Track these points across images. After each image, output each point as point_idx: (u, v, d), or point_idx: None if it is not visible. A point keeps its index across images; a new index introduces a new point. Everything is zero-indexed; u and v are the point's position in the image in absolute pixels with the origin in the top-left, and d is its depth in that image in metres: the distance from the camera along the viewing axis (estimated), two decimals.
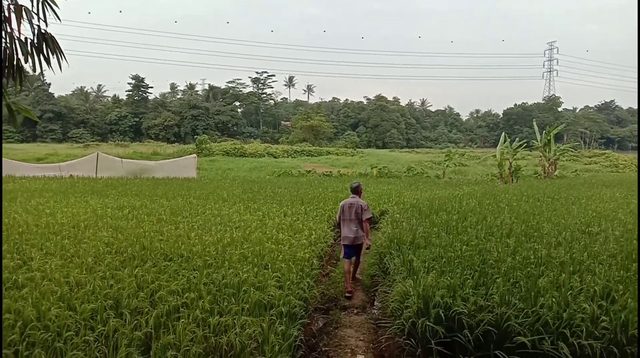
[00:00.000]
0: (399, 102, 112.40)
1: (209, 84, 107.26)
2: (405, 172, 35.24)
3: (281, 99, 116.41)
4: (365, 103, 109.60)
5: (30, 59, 3.00)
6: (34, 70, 3.06)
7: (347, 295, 7.08)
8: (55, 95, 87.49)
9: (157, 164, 28.01)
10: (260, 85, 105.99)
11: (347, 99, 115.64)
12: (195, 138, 64.76)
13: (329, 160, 50.25)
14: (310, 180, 25.31)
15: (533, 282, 4.82)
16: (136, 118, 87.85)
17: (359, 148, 78.21)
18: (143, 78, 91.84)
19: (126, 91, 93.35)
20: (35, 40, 2.97)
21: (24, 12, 2.89)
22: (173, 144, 67.89)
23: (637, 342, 3.79)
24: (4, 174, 22.13)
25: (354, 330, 5.73)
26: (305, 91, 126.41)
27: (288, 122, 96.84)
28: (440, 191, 18.74)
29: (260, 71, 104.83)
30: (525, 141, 28.96)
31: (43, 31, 2.98)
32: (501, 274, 5.22)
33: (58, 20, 3.02)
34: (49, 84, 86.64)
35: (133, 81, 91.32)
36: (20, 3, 2.92)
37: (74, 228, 8.65)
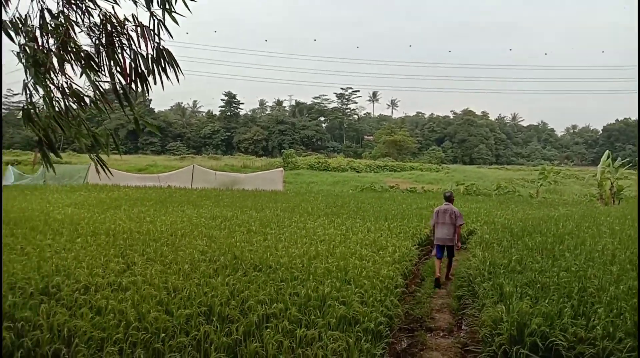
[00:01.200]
0: (488, 117, 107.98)
1: (296, 100, 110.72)
2: (494, 190, 33.64)
3: (364, 114, 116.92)
4: (451, 118, 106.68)
5: (150, 72, 3.36)
6: (155, 83, 3.40)
7: (436, 278, 8.40)
8: (156, 110, 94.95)
9: (247, 176, 29.29)
10: (344, 100, 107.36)
11: (432, 114, 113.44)
12: (281, 152, 66.92)
13: (413, 176, 49.42)
14: (393, 196, 25.06)
15: None
16: (228, 132, 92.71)
17: (445, 163, 76.07)
18: (235, 95, 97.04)
19: (219, 107, 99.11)
20: (155, 55, 3.30)
21: (144, 31, 3.24)
22: (261, 158, 70.62)
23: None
24: (110, 183, 24.26)
25: (440, 354, 5.57)
26: (389, 105, 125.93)
27: (371, 137, 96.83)
28: (533, 211, 17.69)
29: (345, 86, 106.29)
30: (628, 159, 26.49)
31: (161, 47, 3.30)
32: (603, 304, 4.84)
33: (171, 38, 3.34)
34: (150, 100, 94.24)
35: (226, 98, 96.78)
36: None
37: (172, 236, 9.30)
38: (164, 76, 3.38)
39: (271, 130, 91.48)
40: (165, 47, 3.29)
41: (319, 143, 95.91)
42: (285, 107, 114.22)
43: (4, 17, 3.04)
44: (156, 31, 3.23)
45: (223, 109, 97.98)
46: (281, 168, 33.91)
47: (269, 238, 9.28)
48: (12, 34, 3.02)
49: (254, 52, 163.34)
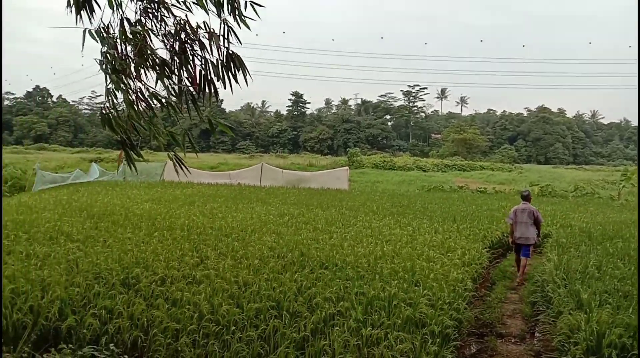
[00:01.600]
0: (565, 114, 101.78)
1: (362, 99, 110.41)
2: (572, 191, 31.66)
3: (432, 111, 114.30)
4: (525, 115, 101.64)
5: (220, 77, 3.51)
6: (224, 87, 3.55)
7: (519, 283, 8.71)
8: (227, 111, 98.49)
9: (313, 175, 29.64)
10: (411, 98, 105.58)
11: (504, 111, 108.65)
12: (346, 151, 67.05)
13: (483, 175, 47.62)
14: (462, 196, 24.32)
15: None
16: (294, 131, 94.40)
17: (517, 163, 72.65)
18: (302, 94, 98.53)
19: (286, 107, 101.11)
20: (224, 60, 3.45)
21: (214, 37, 3.40)
22: (326, 157, 71.19)
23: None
24: (184, 180, 25.45)
25: None
26: (458, 102, 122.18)
27: (439, 135, 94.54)
28: (614, 214, 16.48)
29: (412, 84, 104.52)
30: None
31: (230, 52, 3.44)
32: None
33: (239, 44, 3.46)
34: (222, 100, 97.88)
35: (293, 97, 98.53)
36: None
37: (242, 232, 9.62)
38: (233, 80, 3.51)
39: (336, 129, 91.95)
40: (235, 52, 3.42)
41: (384, 142, 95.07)
42: (350, 106, 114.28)
43: (90, 26, 3.29)
44: (226, 37, 3.36)
45: (290, 108, 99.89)
46: (347, 167, 33.98)
47: (335, 237, 9.35)
48: (98, 41, 3.27)
49: (321, 51, 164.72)
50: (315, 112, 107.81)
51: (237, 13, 3.32)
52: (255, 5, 3.35)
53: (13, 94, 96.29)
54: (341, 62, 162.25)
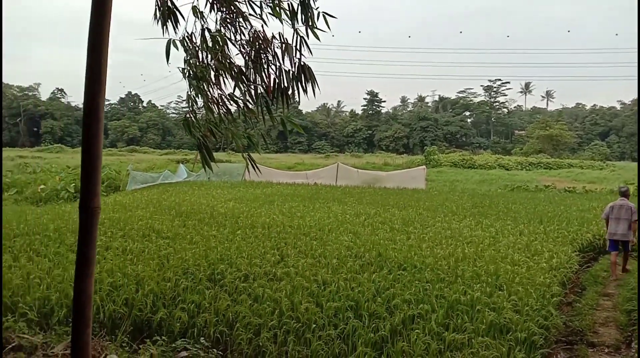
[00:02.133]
0: None
1: (439, 95, 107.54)
2: None
3: (515, 107, 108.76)
4: (618, 109, 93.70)
5: (291, 88, 3.63)
6: (294, 96, 3.67)
7: (613, 278, 8.61)
8: (303, 111, 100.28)
9: (388, 174, 29.38)
10: (492, 93, 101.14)
11: (594, 105, 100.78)
12: (423, 149, 65.68)
13: (572, 174, 44.53)
14: (549, 196, 22.93)
15: None
16: (369, 131, 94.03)
17: (610, 160, 67.10)
18: (377, 93, 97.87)
19: (361, 106, 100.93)
20: (295, 72, 3.55)
21: (288, 48, 3.51)
22: (402, 155, 70.25)
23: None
24: (263, 180, 26.30)
25: None
26: (543, 97, 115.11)
27: (522, 132, 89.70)
28: None
29: (493, 78, 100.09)
30: None
31: (302, 64, 3.53)
32: None
33: (310, 54, 3.54)
34: (299, 102, 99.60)
35: (368, 96, 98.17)
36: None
37: (320, 231, 9.78)
38: (301, 92, 3.62)
39: (412, 127, 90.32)
40: (306, 64, 3.51)
41: (463, 139, 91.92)
42: (427, 103, 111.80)
43: (175, 36, 3.53)
44: (298, 47, 3.46)
45: (365, 107, 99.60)
46: (423, 166, 33.32)
47: (412, 238, 9.23)
48: (178, 50, 3.50)
49: (396, 49, 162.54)
50: (390, 111, 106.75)
51: (309, 24, 3.41)
52: (327, 16, 3.41)
53: (108, 100, 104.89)
54: (417, 59, 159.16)
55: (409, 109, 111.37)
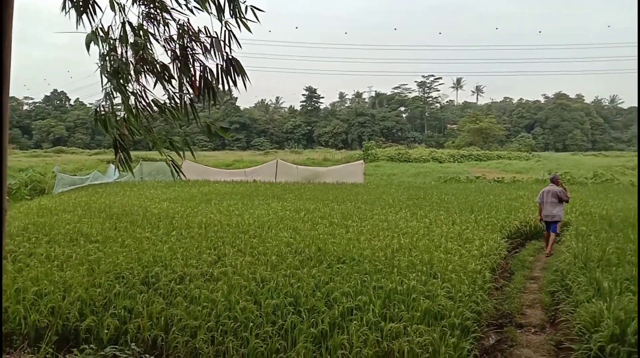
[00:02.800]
0: (583, 100, 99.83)
1: (376, 91, 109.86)
2: (591, 178, 31.12)
3: (447, 102, 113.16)
4: (542, 102, 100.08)
5: (219, 82, 3.52)
6: (223, 90, 3.57)
7: (547, 255, 9.77)
8: (241, 108, 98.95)
9: (328, 170, 29.63)
10: (426, 89, 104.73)
11: (521, 99, 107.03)
12: (361, 144, 66.85)
13: (500, 165, 47.03)
14: (479, 186, 24.07)
15: None
16: (309, 127, 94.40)
17: (535, 151, 71.58)
18: (315, 89, 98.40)
19: (300, 102, 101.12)
20: (224, 65, 3.45)
21: (215, 42, 3.40)
22: (341, 151, 71.04)
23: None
24: (200, 179, 25.66)
25: (532, 351, 5.31)
26: (473, 92, 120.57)
27: (454, 126, 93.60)
28: (635, 201, 16.14)
29: (426, 74, 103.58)
30: None
31: (230, 57, 3.44)
32: None
33: (240, 47, 3.46)
34: (236, 98, 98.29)
35: (306, 92, 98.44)
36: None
37: (259, 228, 9.67)
38: (234, 86, 3.52)
39: (351, 123, 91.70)
40: (235, 57, 3.42)
41: (399, 134, 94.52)
42: (364, 99, 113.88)
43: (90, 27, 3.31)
44: (226, 42, 3.36)
45: (304, 104, 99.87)
46: (361, 161, 33.88)
47: (351, 231, 9.34)
48: (94, 44, 3.28)
49: (334, 45, 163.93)
50: (329, 107, 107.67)
51: (238, 16, 3.32)
52: (256, 9, 3.34)
53: (32, 98, 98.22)
54: (354, 55, 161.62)
55: (347, 105, 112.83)
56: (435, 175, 37.27)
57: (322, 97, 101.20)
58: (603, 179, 30.92)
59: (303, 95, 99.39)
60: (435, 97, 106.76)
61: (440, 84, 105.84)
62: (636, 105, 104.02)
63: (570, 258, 7.07)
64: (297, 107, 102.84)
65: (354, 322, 4.56)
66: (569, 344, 4.83)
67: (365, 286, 5.61)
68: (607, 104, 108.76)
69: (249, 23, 3.41)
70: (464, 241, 8.54)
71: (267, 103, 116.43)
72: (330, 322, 4.61)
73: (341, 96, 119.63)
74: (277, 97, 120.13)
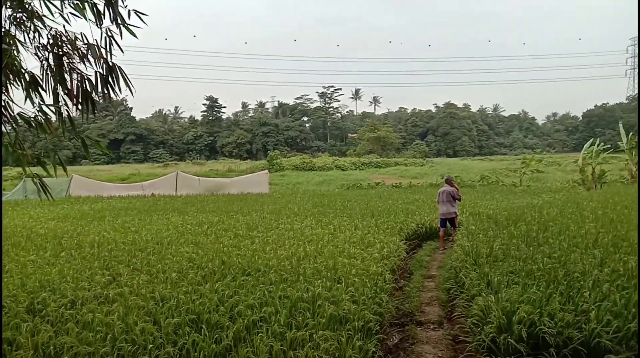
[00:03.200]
0: (470, 109, 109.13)
1: (278, 101, 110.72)
2: (478, 181, 34.00)
3: (347, 111, 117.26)
4: (433, 111, 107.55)
5: (100, 90, 3.30)
6: (104, 100, 3.35)
7: (441, 250, 10.80)
8: (137, 118, 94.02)
9: (232, 180, 29.14)
10: (327, 99, 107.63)
11: (414, 108, 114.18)
12: (266, 154, 66.75)
13: (398, 171, 49.67)
14: (379, 192, 25.15)
15: (628, 296, 4.48)
16: (211, 137, 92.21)
17: (429, 157, 76.64)
18: (217, 99, 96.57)
19: (201, 112, 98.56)
20: (105, 73, 3.25)
21: (93, 49, 3.19)
22: (246, 161, 70.37)
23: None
24: (92, 195, 23.95)
25: (432, 347, 5.60)
26: (371, 102, 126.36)
27: (355, 135, 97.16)
28: (517, 200, 17.90)
29: (327, 85, 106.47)
30: (609, 144, 26.91)
31: (110, 64, 3.25)
32: (589, 288, 4.91)
33: (122, 52, 3.29)
34: (131, 108, 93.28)
35: (207, 102, 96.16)
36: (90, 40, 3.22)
37: (158, 245, 9.19)
38: (113, 91, 3.33)
39: (255, 132, 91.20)
40: (115, 63, 3.24)
41: (303, 143, 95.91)
42: (268, 109, 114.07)
43: None
44: (107, 48, 3.17)
45: (205, 113, 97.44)
46: (266, 170, 33.80)
47: (257, 242, 9.23)
48: None
49: (234, 55, 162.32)
50: (231, 117, 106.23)
51: (118, 21, 3.14)
52: (139, 14, 3.19)
53: None
54: (255, 65, 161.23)
55: (250, 115, 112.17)
56: (338, 182, 38.31)
57: (224, 107, 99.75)
58: (489, 181, 33.92)
59: (204, 104, 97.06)
60: (336, 107, 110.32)
61: (340, 95, 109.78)
62: (515, 113, 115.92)
63: (462, 256, 7.59)
64: (198, 117, 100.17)
65: (260, 334, 4.48)
66: (464, 337, 5.17)
67: (271, 296, 5.55)
68: (490, 112, 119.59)
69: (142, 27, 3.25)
70: (366, 245, 8.81)
71: (165, 113, 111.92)
72: (234, 336, 4.49)
73: (244, 105, 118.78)
74: (176, 107, 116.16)
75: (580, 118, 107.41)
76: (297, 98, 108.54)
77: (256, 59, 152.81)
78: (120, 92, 3.25)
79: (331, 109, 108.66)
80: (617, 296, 4.54)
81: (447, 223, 11.48)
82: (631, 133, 25.70)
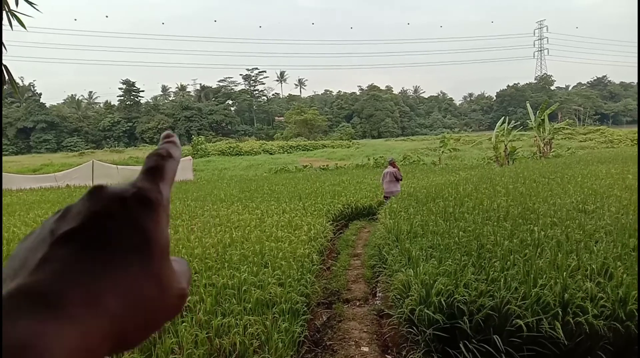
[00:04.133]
0: (392, 91, 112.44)
1: (201, 84, 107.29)
2: (401, 161, 35.27)
3: (273, 94, 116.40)
4: (358, 94, 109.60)
5: None
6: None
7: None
8: (47, 105, 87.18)
9: None
10: (251, 82, 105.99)
11: (339, 91, 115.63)
12: (190, 139, 64.72)
13: (325, 153, 50.28)
14: (307, 175, 25.32)
15: (530, 264, 4.86)
16: (129, 123, 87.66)
17: (355, 139, 78.18)
18: (134, 82, 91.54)
19: (117, 97, 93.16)
20: None
21: None
22: None
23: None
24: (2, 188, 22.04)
25: (357, 323, 5.77)
26: (297, 85, 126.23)
27: (282, 118, 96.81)
28: (436, 178, 18.78)
29: (250, 67, 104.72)
30: (519, 122, 28.94)
31: None
32: (499, 258, 5.26)
33: (24, 28, 3.02)
34: (40, 94, 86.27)
35: (124, 86, 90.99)
36: None
37: None
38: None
39: (176, 117, 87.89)
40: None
41: (229, 127, 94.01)
42: (189, 92, 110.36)
43: None
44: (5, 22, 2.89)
45: (122, 98, 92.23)
46: (189, 157, 32.80)
47: (180, 231, 8.95)
48: None
49: (150, 36, 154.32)
50: (150, 101, 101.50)
51: (5, 9, 2.85)
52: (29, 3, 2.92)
53: None
54: (174, 47, 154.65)
55: (170, 99, 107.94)
56: (266, 167, 38.08)
57: (143, 91, 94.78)
58: (411, 161, 35.30)
59: (120, 89, 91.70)
60: (262, 91, 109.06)
61: (265, 77, 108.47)
62: (434, 94, 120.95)
63: (385, 233, 7.84)
64: (115, 102, 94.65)
65: (184, 323, 4.37)
66: (387, 311, 5.37)
67: (195, 285, 5.43)
68: (411, 94, 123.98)
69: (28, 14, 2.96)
70: (294, 228, 8.85)
71: (78, 99, 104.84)
72: None
73: (164, 89, 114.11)
74: (90, 92, 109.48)
75: (495, 98, 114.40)
76: (220, 81, 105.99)
77: (174, 41, 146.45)
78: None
79: (256, 92, 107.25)
80: (521, 265, 4.91)
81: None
82: (537, 111, 27.77)
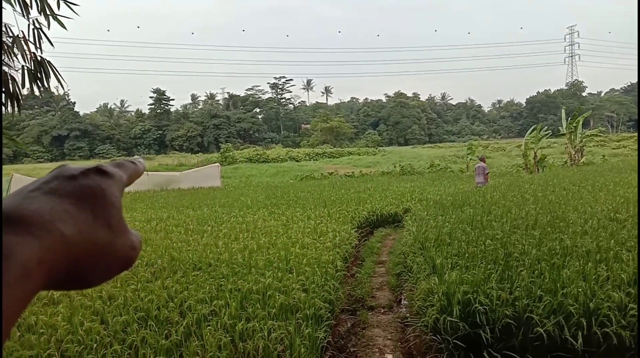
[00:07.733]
0: (419, 98, 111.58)
1: (229, 93, 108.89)
2: (428, 168, 34.93)
3: (300, 102, 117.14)
4: (384, 101, 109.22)
5: (28, 85, 3.15)
6: (32, 92, 3.23)
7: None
8: (81, 113, 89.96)
9: (182, 174, 28.48)
10: (278, 90, 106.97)
11: (366, 98, 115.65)
12: (218, 147, 65.69)
13: (351, 161, 50.20)
14: (332, 182, 25.36)
15: (557, 272, 4.78)
16: (160, 131, 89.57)
17: (381, 146, 77.92)
18: (164, 91, 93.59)
19: (148, 105, 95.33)
20: (33, 68, 3.11)
21: (19, 42, 3.04)
22: (197, 154, 68.93)
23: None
24: None
25: (382, 330, 5.77)
26: (323, 92, 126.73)
27: (308, 125, 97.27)
28: (463, 185, 18.56)
29: (278, 76, 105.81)
30: (550, 129, 28.32)
31: (38, 58, 3.12)
32: (526, 267, 5.19)
33: (52, 46, 3.17)
34: (74, 102, 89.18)
35: (155, 95, 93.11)
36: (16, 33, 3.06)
37: None
38: (43, 85, 3.19)
39: (205, 125, 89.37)
40: (44, 58, 3.10)
41: (256, 135, 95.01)
42: (218, 100, 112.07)
43: None
44: (36, 41, 3.03)
45: (153, 107, 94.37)
46: (217, 163, 33.29)
47: (207, 236, 9.13)
48: None
49: (180, 46, 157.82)
50: (180, 110, 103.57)
51: (47, 12, 2.99)
52: (69, 4, 3.06)
53: None
54: (203, 57, 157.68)
55: (199, 107, 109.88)
56: (292, 174, 38.29)
57: (173, 100, 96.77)
58: (438, 168, 34.91)
59: (151, 97, 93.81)
60: (288, 99, 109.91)
61: (291, 86, 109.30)
62: (462, 101, 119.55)
63: (410, 241, 7.82)
64: (145, 110, 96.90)
65: (209, 327, 4.47)
66: (412, 319, 5.36)
67: (222, 290, 5.53)
68: (439, 101, 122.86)
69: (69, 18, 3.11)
70: (319, 235, 8.90)
71: (110, 107, 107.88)
72: (184, 331, 4.46)
73: (193, 97, 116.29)
74: (122, 101, 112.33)
75: (524, 104, 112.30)
76: (248, 89, 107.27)
77: (204, 50, 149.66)
78: (46, 87, 3.11)
79: (283, 100, 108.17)
80: (550, 273, 4.83)
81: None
82: (569, 118, 27.12)
